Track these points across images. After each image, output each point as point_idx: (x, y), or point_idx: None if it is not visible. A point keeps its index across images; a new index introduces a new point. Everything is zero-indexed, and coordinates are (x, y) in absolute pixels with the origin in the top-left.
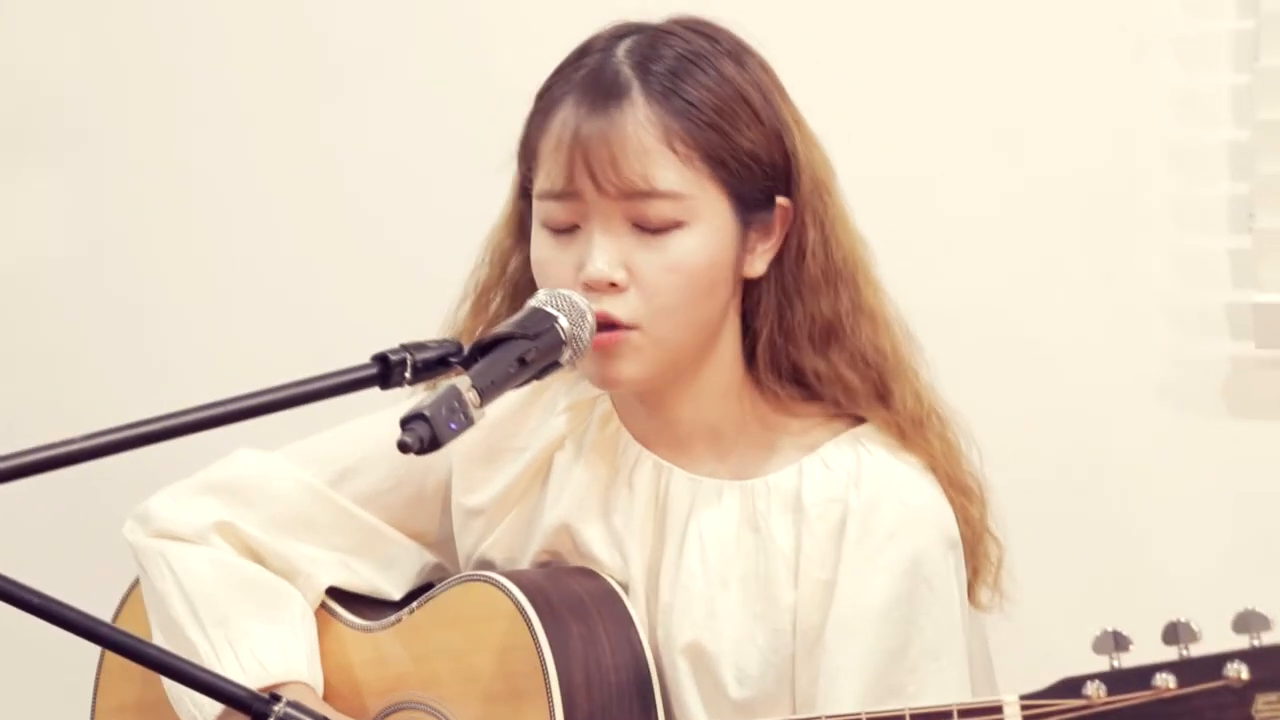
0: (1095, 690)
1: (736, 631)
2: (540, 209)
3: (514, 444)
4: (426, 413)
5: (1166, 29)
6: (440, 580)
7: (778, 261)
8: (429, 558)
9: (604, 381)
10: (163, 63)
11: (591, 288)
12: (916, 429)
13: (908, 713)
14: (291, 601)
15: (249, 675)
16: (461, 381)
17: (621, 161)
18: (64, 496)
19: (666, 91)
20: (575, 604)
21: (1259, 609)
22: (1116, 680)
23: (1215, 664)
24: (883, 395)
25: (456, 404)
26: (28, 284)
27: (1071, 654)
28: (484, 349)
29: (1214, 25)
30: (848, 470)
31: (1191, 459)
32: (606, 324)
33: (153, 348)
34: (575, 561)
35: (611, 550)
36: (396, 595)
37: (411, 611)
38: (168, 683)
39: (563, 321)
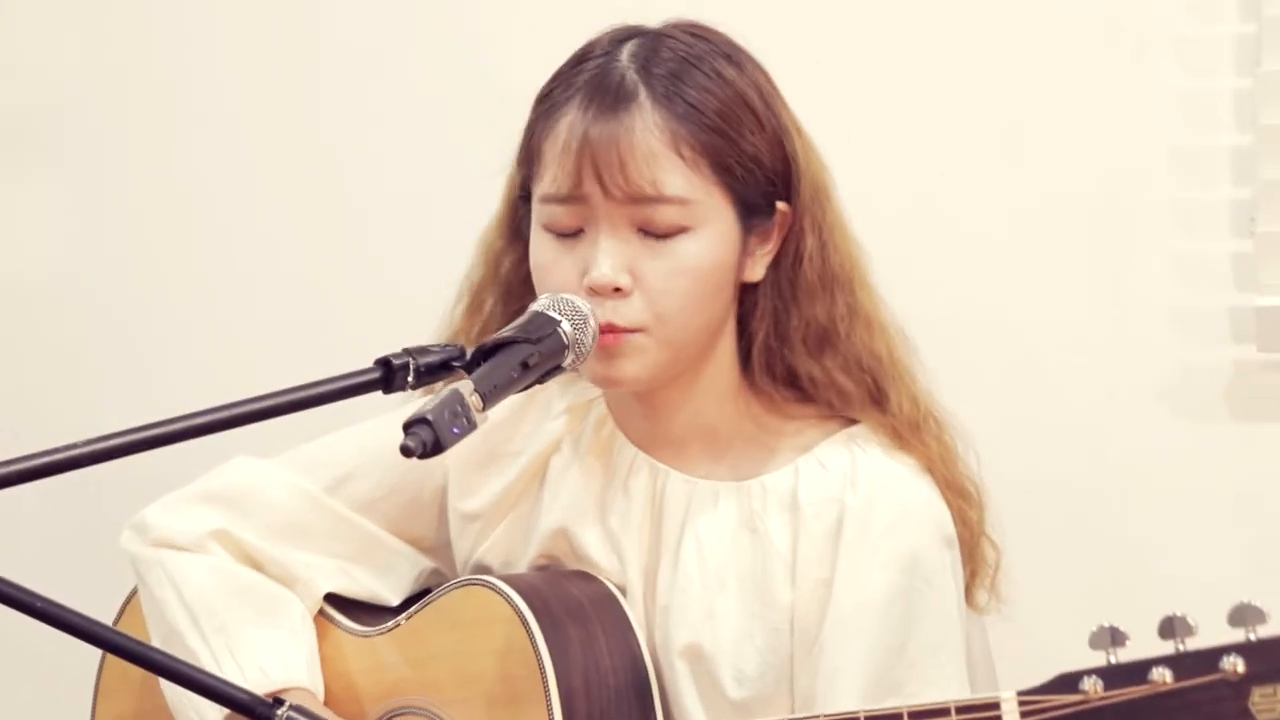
0: (1092, 685)
1: (734, 632)
2: (543, 212)
3: (510, 448)
4: (429, 416)
5: (1169, 33)
6: (438, 585)
7: (775, 266)
8: (426, 563)
9: (606, 381)
10: (163, 64)
11: (596, 292)
12: (913, 432)
13: (906, 711)
14: (290, 608)
15: (250, 681)
16: (464, 385)
17: (630, 166)
18: (65, 500)
19: (671, 95)
20: (573, 607)
21: (1255, 602)
22: (1113, 675)
23: (1211, 658)
24: (877, 399)
25: (459, 408)
26: (28, 285)
27: (1074, 658)
28: (486, 353)
29: (1216, 30)
30: (844, 470)
31: (1193, 462)
32: (609, 331)
33: (153, 349)
34: (572, 565)
35: (608, 553)
36: (394, 601)
37: (409, 617)
38: (169, 690)
39: (565, 326)
